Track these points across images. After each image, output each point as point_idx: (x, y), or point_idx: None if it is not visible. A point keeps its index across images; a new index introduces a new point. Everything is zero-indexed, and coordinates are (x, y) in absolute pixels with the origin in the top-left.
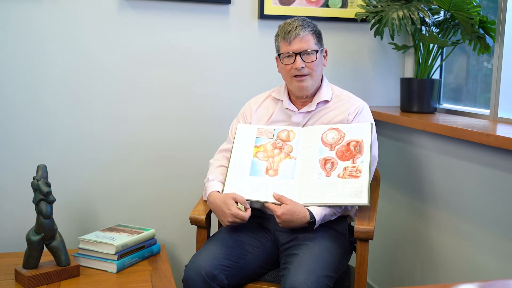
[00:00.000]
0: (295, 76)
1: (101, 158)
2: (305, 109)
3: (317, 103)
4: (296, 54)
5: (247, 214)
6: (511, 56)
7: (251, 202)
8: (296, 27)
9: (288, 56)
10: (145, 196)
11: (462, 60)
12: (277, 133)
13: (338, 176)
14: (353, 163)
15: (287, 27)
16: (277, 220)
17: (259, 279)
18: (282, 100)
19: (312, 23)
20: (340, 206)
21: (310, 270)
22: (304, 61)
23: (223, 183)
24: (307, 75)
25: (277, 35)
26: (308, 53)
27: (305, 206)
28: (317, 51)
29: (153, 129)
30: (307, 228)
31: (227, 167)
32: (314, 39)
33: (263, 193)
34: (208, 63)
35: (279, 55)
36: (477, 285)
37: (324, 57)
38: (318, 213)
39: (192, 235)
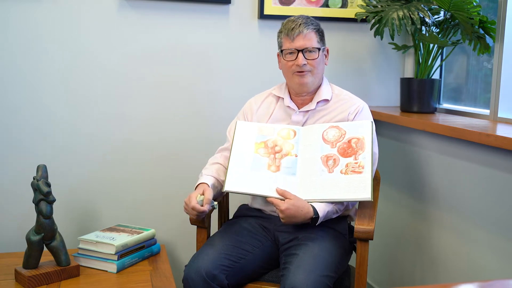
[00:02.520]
0: (296, 72)
1: (101, 158)
2: (305, 108)
3: (317, 102)
4: (298, 51)
5: (198, 207)
6: (511, 56)
7: (252, 200)
8: (300, 24)
9: (291, 53)
10: (145, 196)
11: (462, 60)
12: (277, 131)
13: (341, 172)
14: (355, 159)
15: (290, 24)
16: (280, 215)
17: (259, 279)
18: (282, 98)
19: (316, 22)
20: (342, 203)
21: (309, 270)
22: (306, 58)
23: (215, 178)
24: (308, 71)
25: (280, 32)
26: (310, 51)
27: (308, 202)
28: (319, 49)
29: (153, 129)
30: (309, 225)
31: (228, 162)
32: (317, 37)
33: (266, 188)
34: (208, 63)
35: (281, 51)
36: (477, 285)
37: (326, 56)
38: (322, 209)
39: (192, 235)
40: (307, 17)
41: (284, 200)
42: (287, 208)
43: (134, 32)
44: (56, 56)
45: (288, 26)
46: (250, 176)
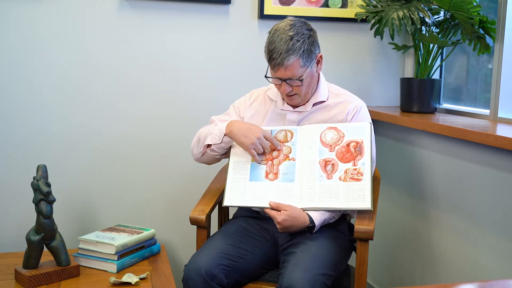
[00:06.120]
0: (284, 94)
1: (101, 158)
2: (300, 109)
3: (313, 104)
4: (281, 80)
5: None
6: (511, 56)
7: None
8: (280, 53)
9: (274, 78)
10: (145, 196)
11: (462, 60)
12: (274, 134)
13: (340, 179)
14: (354, 165)
15: (271, 47)
16: (278, 226)
17: (259, 279)
18: (276, 101)
19: (301, 39)
20: (340, 210)
21: (306, 268)
22: (291, 85)
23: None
24: (295, 94)
25: (264, 47)
26: (294, 79)
27: (305, 210)
28: (304, 73)
29: (153, 129)
30: (306, 232)
31: (226, 174)
32: (301, 62)
33: (263, 200)
34: (207, 62)
35: (266, 73)
36: (477, 285)
37: (319, 62)
38: (318, 218)
39: (192, 235)
40: (290, 38)
41: (280, 211)
42: (284, 220)
43: (134, 32)
44: (56, 56)
45: (269, 49)
46: (248, 188)
